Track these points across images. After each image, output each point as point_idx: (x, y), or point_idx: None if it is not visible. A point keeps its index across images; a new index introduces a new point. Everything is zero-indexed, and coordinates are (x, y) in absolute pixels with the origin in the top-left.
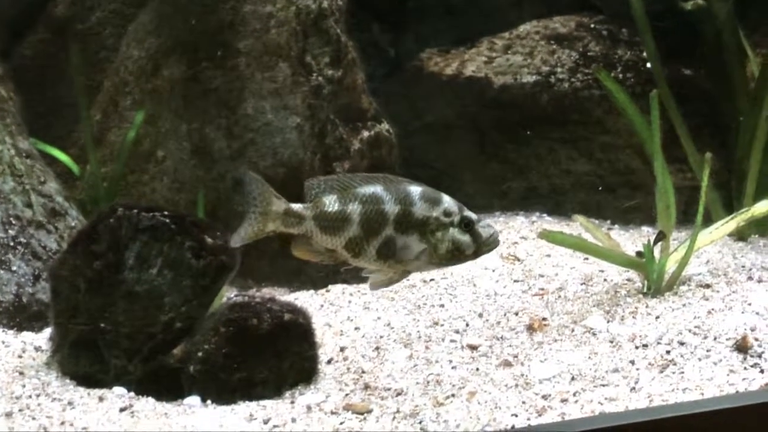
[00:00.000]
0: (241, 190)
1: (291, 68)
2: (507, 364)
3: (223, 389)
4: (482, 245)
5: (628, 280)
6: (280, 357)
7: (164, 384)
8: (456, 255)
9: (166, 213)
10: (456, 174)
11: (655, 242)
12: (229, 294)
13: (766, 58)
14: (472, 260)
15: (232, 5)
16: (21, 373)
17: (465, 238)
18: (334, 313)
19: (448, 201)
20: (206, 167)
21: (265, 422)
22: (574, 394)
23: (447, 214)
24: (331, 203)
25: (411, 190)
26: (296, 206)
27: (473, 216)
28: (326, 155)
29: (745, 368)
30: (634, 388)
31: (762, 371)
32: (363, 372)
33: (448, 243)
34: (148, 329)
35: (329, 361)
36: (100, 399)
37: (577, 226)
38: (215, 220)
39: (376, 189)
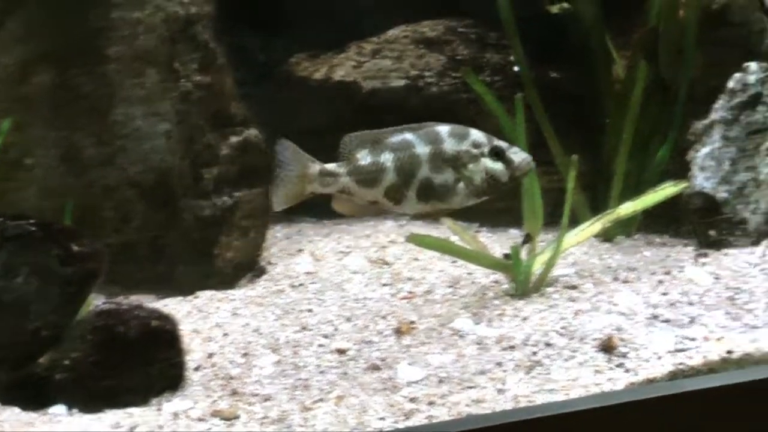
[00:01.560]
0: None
1: (160, 74)
2: (375, 367)
3: (90, 397)
4: (516, 170)
5: (496, 282)
6: (148, 364)
7: (30, 393)
8: (492, 184)
9: (32, 221)
10: None
11: (522, 244)
12: (97, 301)
13: (631, 60)
14: (510, 187)
15: (101, 11)
16: None
17: (498, 167)
18: (202, 319)
19: (475, 133)
20: (76, 174)
21: (132, 430)
22: (442, 397)
23: (476, 145)
24: (363, 156)
25: (438, 130)
26: (330, 165)
27: (503, 144)
28: (195, 161)
29: (610, 368)
30: (501, 390)
31: (627, 371)
32: (231, 378)
33: (482, 173)
34: (14, 338)
35: (197, 368)
36: None
37: (445, 229)
38: (83, 227)
39: (405, 135)
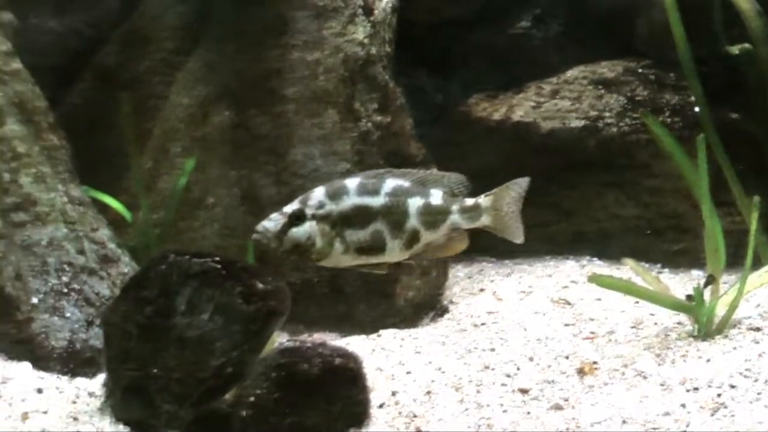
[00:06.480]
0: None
1: (339, 114)
2: (558, 407)
3: None
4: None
5: (679, 323)
6: (330, 401)
7: (215, 429)
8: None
9: (216, 259)
10: None
11: (705, 285)
12: (280, 339)
13: None
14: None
15: (279, 52)
16: (75, 419)
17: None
18: (385, 357)
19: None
20: (255, 213)
21: None
22: None
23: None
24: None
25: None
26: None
27: (298, 208)
28: None
29: None
30: None
31: None
32: (414, 416)
33: None
34: (198, 374)
35: (381, 406)
36: None
37: (627, 270)
38: (265, 265)
39: None
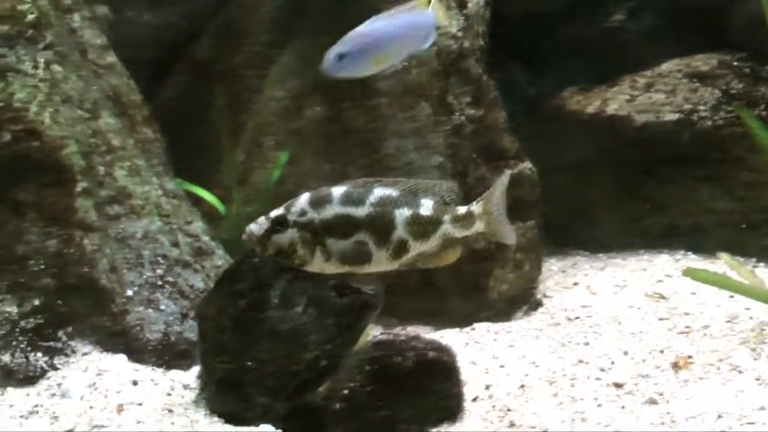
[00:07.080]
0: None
1: (432, 108)
2: (652, 401)
3: (367, 427)
4: None
5: None
6: (424, 395)
7: (309, 421)
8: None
9: None
10: (596, 212)
11: None
12: (374, 332)
13: None
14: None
15: None
16: (170, 411)
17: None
18: (479, 351)
19: (302, 196)
20: None
21: None
22: None
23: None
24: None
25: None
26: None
27: (281, 215)
28: (468, 194)
29: None
30: None
31: None
32: (508, 410)
33: None
34: (292, 367)
35: (474, 399)
36: None
37: (722, 264)
38: None
39: None
